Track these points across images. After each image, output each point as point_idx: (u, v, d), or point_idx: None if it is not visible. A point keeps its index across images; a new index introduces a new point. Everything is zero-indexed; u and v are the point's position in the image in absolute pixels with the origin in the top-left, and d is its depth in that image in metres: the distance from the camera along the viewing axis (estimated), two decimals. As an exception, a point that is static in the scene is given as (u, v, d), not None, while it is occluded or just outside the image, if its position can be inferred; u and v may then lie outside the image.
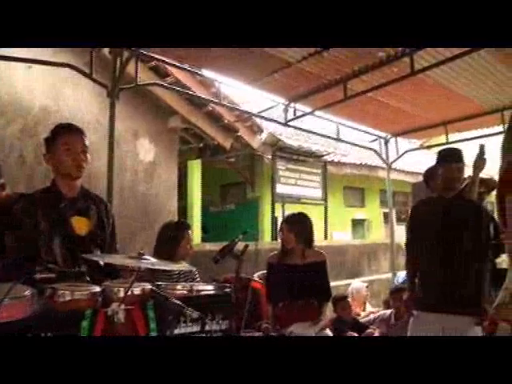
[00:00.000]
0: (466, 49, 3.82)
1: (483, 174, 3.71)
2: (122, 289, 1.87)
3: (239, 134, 7.65)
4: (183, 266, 2.74)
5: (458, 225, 3.10)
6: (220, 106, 6.05)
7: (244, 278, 3.62)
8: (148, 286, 1.95)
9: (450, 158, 3.20)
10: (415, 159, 10.55)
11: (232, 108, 6.44)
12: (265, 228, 9.44)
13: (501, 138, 6.07)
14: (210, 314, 1.95)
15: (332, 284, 7.57)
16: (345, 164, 10.21)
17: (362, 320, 5.11)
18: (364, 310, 5.79)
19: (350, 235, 11.72)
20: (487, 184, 4.36)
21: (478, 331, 2.98)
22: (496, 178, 4.87)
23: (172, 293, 1.96)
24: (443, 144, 6.13)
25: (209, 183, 9.72)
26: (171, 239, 3.19)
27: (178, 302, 1.80)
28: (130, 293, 1.82)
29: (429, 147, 10.08)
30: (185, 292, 2.05)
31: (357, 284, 6.30)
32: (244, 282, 3.35)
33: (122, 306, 1.79)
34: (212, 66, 4.58)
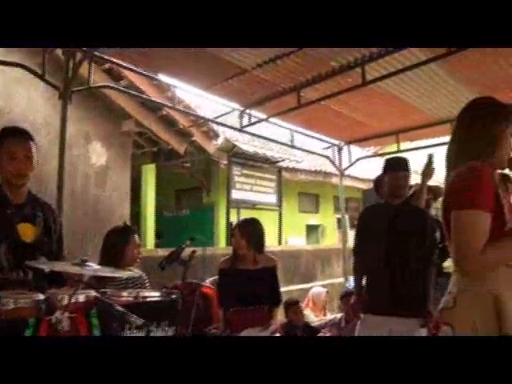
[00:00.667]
0: (416, 61, 3.96)
1: (432, 182, 3.84)
2: (66, 296, 1.84)
3: (194, 138, 7.63)
4: (127, 272, 2.69)
5: (404, 230, 3.20)
6: (175, 110, 6.01)
7: (195, 283, 3.61)
8: (92, 294, 1.92)
9: (396, 166, 3.31)
10: (369, 166, 10.78)
11: (187, 113, 6.41)
12: (220, 233, 9.43)
13: (441, 148, 6.29)
14: (155, 321, 1.94)
15: (286, 289, 7.68)
16: (299, 170, 10.33)
17: (313, 324, 5.17)
18: (324, 315, 5.87)
19: (305, 240, 11.85)
20: (434, 192, 4.52)
21: (423, 333, 3.09)
22: (442, 186, 5.04)
23: (117, 300, 1.94)
24: (396, 152, 6.30)
25: (164, 188, 9.62)
26: (117, 245, 3.13)
27: (122, 309, 1.78)
28: (74, 300, 1.79)
29: (382, 155, 10.33)
30: (130, 299, 2.03)
31: (317, 289, 6.38)
32: (194, 288, 3.34)
33: (66, 314, 1.76)
34: (167, 70, 4.55)
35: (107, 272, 2.06)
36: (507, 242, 1.66)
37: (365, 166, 10.27)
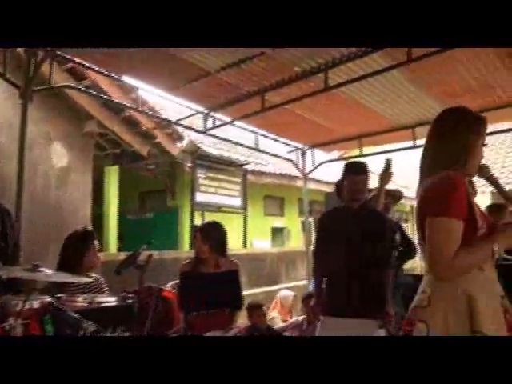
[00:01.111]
0: (378, 68, 4.03)
1: (393, 186, 3.93)
2: (20, 303, 1.79)
3: (158, 140, 7.56)
4: (81, 278, 2.63)
5: (362, 233, 3.25)
6: (138, 112, 5.94)
7: (155, 287, 3.58)
8: (47, 299, 1.88)
9: (355, 170, 3.37)
10: (333, 170, 10.88)
11: (151, 114, 6.35)
12: (184, 237, 9.36)
13: (413, 152, 6.42)
14: (110, 326, 1.91)
15: (251, 291, 7.69)
16: (265, 173, 10.35)
17: (276, 327, 5.19)
18: (291, 318, 5.90)
19: (270, 243, 11.88)
20: (393, 195, 4.62)
21: (381, 334, 3.15)
22: (402, 190, 5.16)
23: (72, 305, 1.91)
24: (358, 156, 6.41)
25: (127, 190, 9.49)
26: (77, 250, 3.07)
27: (75, 315, 1.75)
28: (28, 306, 1.75)
29: (346, 159, 10.45)
30: (85, 304, 1.99)
31: (285, 292, 6.42)
32: (155, 292, 3.31)
33: (20, 321, 1.72)
34: (131, 71, 4.49)
35: (60, 278, 2.01)
36: (478, 248, 1.75)
37: (329, 170, 10.39)
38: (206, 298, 3.50)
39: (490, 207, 4.24)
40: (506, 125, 6.94)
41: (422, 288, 1.88)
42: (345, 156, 9.09)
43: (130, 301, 2.18)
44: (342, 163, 11.09)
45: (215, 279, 3.60)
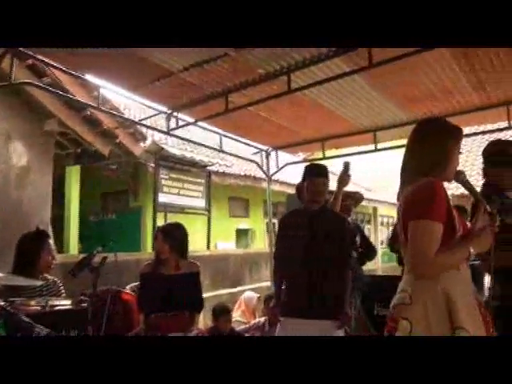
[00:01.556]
0: (340, 72, 4.08)
1: (357, 188, 3.98)
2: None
3: (120, 140, 7.44)
4: (35, 281, 2.56)
5: (321, 235, 3.30)
6: (99, 111, 5.84)
7: (114, 289, 3.52)
8: (0, 303, 1.83)
9: (315, 173, 3.42)
10: (299, 171, 10.91)
11: (113, 114, 6.25)
12: (147, 238, 9.25)
13: (374, 156, 6.49)
14: (64, 330, 1.87)
15: (215, 293, 7.66)
16: (229, 175, 10.33)
17: (238, 329, 5.18)
18: (255, 319, 5.88)
19: (235, 245, 11.87)
20: (354, 197, 4.70)
21: (340, 334, 3.21)
22: (362, 193, 5.23)
23: (25, 309, 1.85)
24: (322, 159, 6.47)
25: (89, 191, 9.32)
26: (31, 251, 2.99)
27: (27, 319, 1.70)
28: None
29: (310, 161, 10.52)
30: (39, 308, 1.94)
31: (249, 294, 6.40)
32: (114, 294, 3.25)
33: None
34: (93, 69, 4.41)
35: (11, 281, 1.96)
36: (457, 249, 1.92)
37: (294, 172, 10.46)
38: (165, 299, 3.47)
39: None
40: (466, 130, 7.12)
41: (401, 287, 1.99)
42: (310, 158, 9.15)
43: (84, 304, 2.13)
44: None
45: (175, 281, 3.57)
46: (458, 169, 2.11)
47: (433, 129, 2.10)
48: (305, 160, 10.58)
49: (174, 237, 3.68)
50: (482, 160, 3.01)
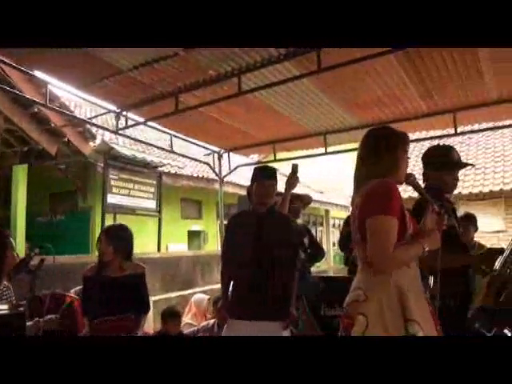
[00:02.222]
0: (290, 75, 4.11)
1: (309, 191, 4.02)
2: None
3: (69, 139, 7.25)
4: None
5: (268, 237, 3.31)
6: (47, 108, 5.66)
7: (59, 293, 3.42)
8: None
9: (263, 175, 3.44)
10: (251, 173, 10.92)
11: (61, 111, 6.07)
12: (96, 240, 9.03)
13: (326, 159, 6.60)
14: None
15: (165, 296, 7.55)
16: (182, 176, 10.24)
17: (186, 331, 5.14)
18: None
19: (186, 247, 11.77)
20: (302, 199, 4.74)
21: (286, 334, 3.24)
22: (310, 195, 5.28)
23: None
24: (273, 161, 6.50)
25: (37, 191, 9.04)
26: None
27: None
28: None
29: (264, 163, 10.55)
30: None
31: (199, 296, 6.34)
32: (59, 298, 3.16)
33: None
34: (41, 65, 4.26)
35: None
36: (411, 247, 2.03)
37: (247, 174, 10.47)
38: (110, 303, 3.38)
39: None
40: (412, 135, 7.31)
41: (355, 285, 2.09)
42: (264, 160, 9.18)
43: (21, 308, 2.05)
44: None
45: (119, 283, 3.48)
46: (408, 172, 2.24)
47: (382, 137, 2.21)
48: (259, 162, 10.63)
49: (117, 238, 3.59)
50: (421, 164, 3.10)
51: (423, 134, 6.36)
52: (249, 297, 3.26)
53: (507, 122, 5.73)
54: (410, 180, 2.23)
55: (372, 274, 2.03)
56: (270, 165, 3.95)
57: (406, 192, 8.61)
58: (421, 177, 2.96)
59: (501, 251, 2.79)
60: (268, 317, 3.18)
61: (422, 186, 2.85)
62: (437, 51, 3.74)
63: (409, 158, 2.24)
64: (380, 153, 2.14)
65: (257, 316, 3.18)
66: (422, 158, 3.04)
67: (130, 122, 5.42)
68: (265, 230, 3.35)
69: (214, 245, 12.47)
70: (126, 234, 3.68)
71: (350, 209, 2.30)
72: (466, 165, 3.08)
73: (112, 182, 8.34)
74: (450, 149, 3.00)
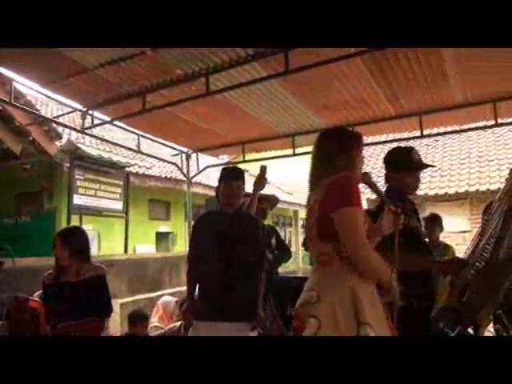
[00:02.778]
0: (258, 76, 4.10)
1: (278, 192, 4.01)
2: None
3: (34, 138, 7.08)
4: None
5: (235, 237, 3.29)
6: (11, 106, 5.51)
7: (22, 297, 3.33)
8: None
9: (230, 176, 3.44)
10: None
11: (24, 109, 5.92)
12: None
13: (295, 160, 6.63)
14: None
15: (133, 298, 7.45)
16: (149, 176, 10.12)
17: (153, 334, 5.08)
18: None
19: (154, 248, 11.64)
20: (269, 200, 4.75)
21: (253, 335, 3.25)
22: (287, 195, 5.29)
23: None
24: (244, 161, 6.50)
25: (2, 191, 8.81)
26: None
27: None
28: None
29: (235, 163, 10.52)
30: None
31: (166, 298, 6.28)
32: (21, 302, 3.08)
33: None
34: (5, 62, 4.14)
35: None
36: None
37: (216, 174, 10.43)
38: (72, 308, 3.29)
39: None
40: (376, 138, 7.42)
41: (308, 286, 2.06)
42: (235, 161, 9.16)
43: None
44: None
45: (79, 287, 3.37)
46: (364, 171, 2.23)
47: (337, 137, 2.21)
48: (228, 163, 10.60)
49: (73, 241, 3.49)
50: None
51: (391, 137, 6.43)
52: (215, 298, 3.24)
53: (472, 125, 5.88)
54: (366, 179, 2.22)
55: (325, 274, 2.02)
56: (239, 166, 3.95)
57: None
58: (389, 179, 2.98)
59: (466, 263, 2.75)
60: (234, 318, 3.16)
61: (384, 187, 2.89)
62: (402, 53, 3.79)
63: (363, 156, 2.25)
64: (335, 153, 2.13)
65: (223, 317, 3.16)
66: (384, 160, 3.05)
67: (96, 121, 5.32)
68: (231, 231, 3.32)
69: (182, 246, 12.37)
70: (82, 237, 3.57)
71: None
72: (426, 166, 3.08)
73: (78, 183, 8.16)
74: (410, 150, 3.00)
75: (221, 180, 3.47)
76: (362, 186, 2.13)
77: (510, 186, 2.73)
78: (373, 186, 2.26)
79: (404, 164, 2.90)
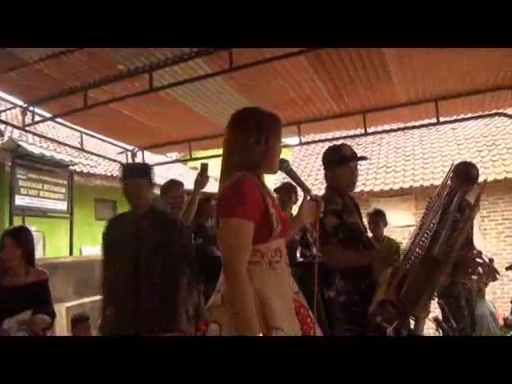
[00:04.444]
0: (202, 73, 4.08)
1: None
2: None
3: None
4: None
5: (146, 241, 2.96)
6: None
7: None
8: None
9: (126, 174, 3.11)
10: (176, 172, 10.79)
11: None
12: None
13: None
14: None
15: (78, 301, 7.23)
16: (95, 175, 9.86)
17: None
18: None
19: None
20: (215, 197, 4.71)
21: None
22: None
23: None
24: (193, 159, 6.45)
25: None
26: None
27: None
28: None
29: (183, 161, 10.43)
30: None
31: None
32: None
33: None
34: None
35: None
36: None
37: (171, 173, 10.31)
38: (15, 312, 3.11)
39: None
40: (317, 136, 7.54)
41: (217, 287, 1.89)
42: (184, 159, 9.07)
43: None
44: (181, 166, 10.99)
45: (23, 292, 3.17)
46: (281, 158, 2.06)
47: (252, 120, 1.94)
48: (177, 161, 10.52)
49: (26, 241, 3.32)
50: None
51: (337, 134, 6.51)
52: (125, 309, 2.89)
53: (416, 123, 6.07)
54: (283, 167, 2.07)
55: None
56: (187, 163, 3.87)
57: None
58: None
59: (398, 253, 2.77)
60: (151, 330, 2.78)
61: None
62: (345, 51, 3.87)
63: (281, 142, 2.05)
64: (251, 138, 1.87)
65: (135, 331, 2.82)
66: (322, 160, 3.04)
67: (37, 118, 5.15)
68: (140, 234, 2.96)
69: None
70: (31, 237, 3.42)
71: None
72: (357, 158, 3.02)
73: (20, 183, 7.83)
74: (341, 145, 3.03)
75: (121, 178, 3.11)
76: (279, 174, 2.02)
77: (447, 183, 2.81)
78: (291, 174, 2.15)
79: (336, 159, 2.91)
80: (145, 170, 3.11)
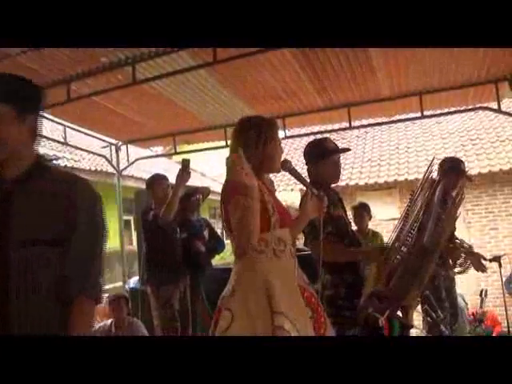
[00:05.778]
0: (186, 66, 4.04)
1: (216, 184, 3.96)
2: None
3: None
4: None
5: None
6: None
7: None
8: None
9: None
10: (161, 167, 10.72)
11: None
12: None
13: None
14: None
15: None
16: (78, 170, 9.74)
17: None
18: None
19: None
20: (201, 192, 4.72)
21: None
22: (210, 188, 5.27)
23: None
24: (180, 153, 6.41)
25: None
26: None
27: None
28: None
29: (169, 155, 10.35)
30: None
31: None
32: None
33: None
34: None
35: None
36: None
37: (158, 167, 10.23)
38: None
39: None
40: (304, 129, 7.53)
41: (230, 278, 2.05)
42: (170, 153, 9.03)
43: None
44: (167, 160, 10.88)
45: None
46: (285, 158, 2.21)
47: (253, 127, 2.12)
48: (164, 154, 10.44)
49: None
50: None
51: (323, 128, 6.51)
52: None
53: (401, 117, 6.10)
54: (286, 167, 2.19)
55: (241, 266, 2.01)
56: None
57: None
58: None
59: (385, 248, 2.79)
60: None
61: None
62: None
63: (281, 143, 2.22)
64: (253, 144, 2.06)
65: None
66: (303, 155, 3.04)
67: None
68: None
69: (114, 241, 12.06)
70: None
71: None
72: (339, 150, 3.05)
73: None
74: (323, 139, 3.04)
75: None
76: (282, 174, 2.12)
77: (429, 176, 2.83)
78: (294, 173, 2.25)
79: (318, 153, 2.91)
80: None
